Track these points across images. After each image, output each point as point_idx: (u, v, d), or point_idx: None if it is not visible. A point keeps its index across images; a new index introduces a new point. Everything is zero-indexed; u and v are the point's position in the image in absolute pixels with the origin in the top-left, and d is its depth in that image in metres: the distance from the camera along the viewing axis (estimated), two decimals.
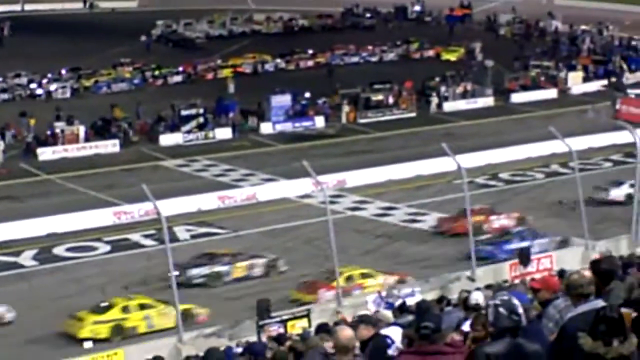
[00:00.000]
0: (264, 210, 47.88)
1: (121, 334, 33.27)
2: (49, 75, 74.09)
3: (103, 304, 34.14)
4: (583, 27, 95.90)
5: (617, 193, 45.47)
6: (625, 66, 79.68)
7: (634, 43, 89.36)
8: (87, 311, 33.75)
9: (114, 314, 33.74)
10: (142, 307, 34.24)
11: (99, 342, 32.31)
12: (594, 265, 8.46)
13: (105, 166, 55.82)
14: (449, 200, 44.85)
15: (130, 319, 33.82)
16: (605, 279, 8.03)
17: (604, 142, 55.24)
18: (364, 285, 35.56)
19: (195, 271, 37.63)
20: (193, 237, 44.12)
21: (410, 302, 21.12)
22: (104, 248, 42.84)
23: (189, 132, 61.54)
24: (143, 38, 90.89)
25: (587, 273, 8.64)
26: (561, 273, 19.43)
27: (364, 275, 36.62)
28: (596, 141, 55.29)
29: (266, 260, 39.07)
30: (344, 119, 66.07)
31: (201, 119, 62.52)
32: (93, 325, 33.09)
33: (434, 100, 69.26)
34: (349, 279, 35.53)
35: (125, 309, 34.01)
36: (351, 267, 36.69)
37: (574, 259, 32.40)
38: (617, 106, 38.33)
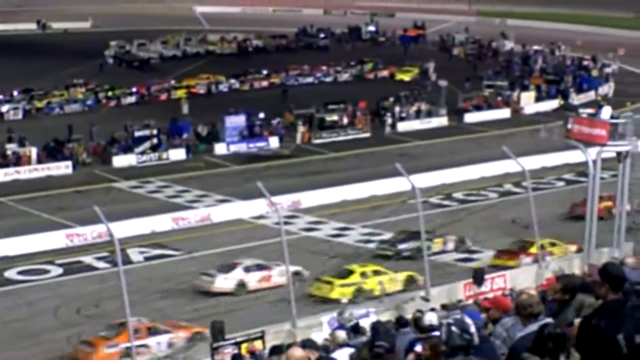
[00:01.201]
0: (218, 231, 47.61)
1: (361, 296, 36.41)
2: (1, 97, 73.44)
3: (346, 268, 39.01)
4: (535, 47, 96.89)
5: None
6: (571, 88, 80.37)
7: (585, 63, 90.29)
8: (333, 275, 38.38)
9: (355, 278, 37.88)
10: (376, 273, 38.42)
11: None
12: (604, 271, 8.40)
13: (57, 188, 55.30)
14: (403, 220, 44.90)
15: (368, 283, 37.58)
16: (617, 284, 7.97)
17: (556, 162, 55.62)
18: None
19: (403, 245, 41.99)
20: (147, 259, 43.74)
21: (365, 323, 21.05)
22: (57, 271, 42.31)
23: (142, 153, 61.18)
24: (110, 61, 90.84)
25: (535, 292, 8.65)
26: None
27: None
28: (549, 160, 55.67)
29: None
30: (298, 140, 66.05)
31: (155, 140, 62.17)
32: (340, 288, 37.45)
33: (388, 120, 69.43)
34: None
35: (363, 275, 38.03)
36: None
37: (527, 279, 32.53)
38: (569, 126, 38.44)
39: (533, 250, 38.08)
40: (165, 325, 33.29)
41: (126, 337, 30.40)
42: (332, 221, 48.92)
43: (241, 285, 38.80)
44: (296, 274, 37.07)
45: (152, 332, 32.70)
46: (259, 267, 39.58)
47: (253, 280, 39.06)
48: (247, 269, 39.38)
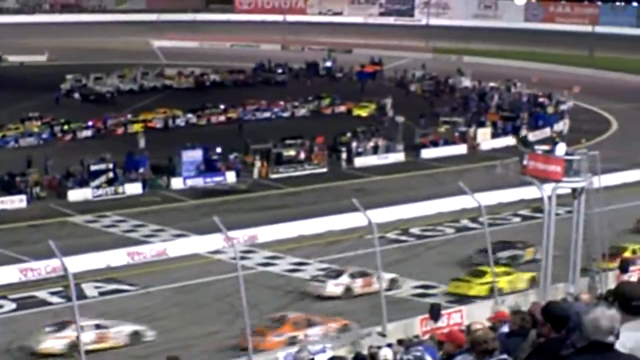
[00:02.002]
0: (174, 266, 47.36)
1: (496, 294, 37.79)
2: None
3: (478, 270, 42.55)
4: (492, 84, 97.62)
5: None
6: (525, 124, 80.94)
7: (541, 100, 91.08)
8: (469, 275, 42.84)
9: (489, 277, 40.19)
10: (507, 273, 42.62)
11: None
12: (545, 310, 8.39)
13: (11, 222, 54.74)
14: (360, 256, 44.87)
15: (499, 282, 40.11)
16: (558, 323, 7.96)
17: (512, 197, 55.94)
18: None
19: (500, 254, 44.73)
20: (101, 294, 43.39)
21: (321, 358, 20.94)
22: (10, 306, 41.84)
23: (98, 187, 60.77)
24: (76, 95, 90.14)
25: (488, 328, 8.62)
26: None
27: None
28: (505, 196, 55.98)
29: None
30: (255, 174, 65.95)
31: (111, 174, 61.80)
32: (478, 286, 41.49)
33: (343, 155, 69.48)
34: None
35: (495, 274, 39.20)
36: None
37: (484, 314, 32.52)
38: (525, 162, 38.72)
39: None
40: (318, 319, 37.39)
41: (290, 328, 36.10)
42: (288, 256, 48.84)
43: (348, 289, 42.60)
44: (393, 280, 42.35)
45: (310, 324, 36.71)
46: (362, 274, 42.63)
47: (358, 285, 42.58)
48: (353, 275, 43.05)
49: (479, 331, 9.30)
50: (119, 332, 37.14)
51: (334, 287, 42.76)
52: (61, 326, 36.39)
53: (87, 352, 32.14)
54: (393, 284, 42.48)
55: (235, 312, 36.30)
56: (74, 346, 33.71)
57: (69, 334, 35.04)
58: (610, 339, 6.48)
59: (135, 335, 37.19)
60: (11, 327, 38.83)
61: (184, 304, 41.14)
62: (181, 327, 38.76)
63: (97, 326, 36.85)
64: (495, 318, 20.98)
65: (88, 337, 34.77)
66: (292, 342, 34.49)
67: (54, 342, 36.09)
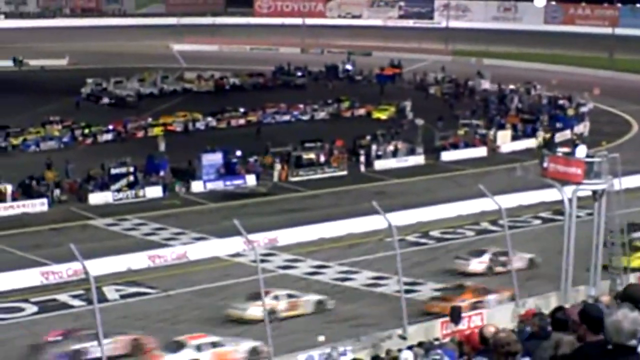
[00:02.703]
0: (195, 269, 47.46)
1: None
2: None
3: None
4: (511, 86, 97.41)
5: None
6: (542, 127, 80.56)
7: (561, 102, 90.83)
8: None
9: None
10: None
11: None
12: (582, 312, 8.33)
13: (33, 225, 54.99)
14: (380, 258, 44.90)
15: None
16: (596, 326, 7.90)
17: (533, 200, 55.82)
18: None
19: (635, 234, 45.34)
20: (122, 297, 43.51)
21: None
22: (31, 309, 42.02)
23: (118, 190, 60.97)
24: (106, 100, 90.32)
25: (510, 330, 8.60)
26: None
27: None
28: (525, 199, 55.87)
29: None
30: (275, 177, 66.01)
31: (131, 178, 61.97)
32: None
33: (362, 158, 69.42)
34: None
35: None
36: None
37: (505, 316, 32.54)
38: (545, 164, 38.67)
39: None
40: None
41: (470, 295, 39.52)
42: (309, 259, 48.86)
43: (489, 268, 45.07)
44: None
45: (487, 291, 40.14)
46: (503, 254, 43.03)
47: (499, 265, 44.37)
48: (495, 255, 45.20)
49: (501, 333, 9.30)
50: (307, 300, 40.91)
51: (477, 265, 45.63)
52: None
53: (282, 318, 38.51)
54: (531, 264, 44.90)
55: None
56: (273, 312, 37.49)
57: (268, 302, 37.14)
58: (633, 342, 6.42)
59: (320, 304, 40.89)
60: (33, 330, 38.96)
61: (204, 307, 41.19)
62: (202, 330, 38.76)
63: (289, 295, 40.80)
64: (524, 315, 20.95)
65: (282, 305, 39.71)
66: (474, 307, 37.98)
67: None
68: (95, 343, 33.13)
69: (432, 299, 40.31)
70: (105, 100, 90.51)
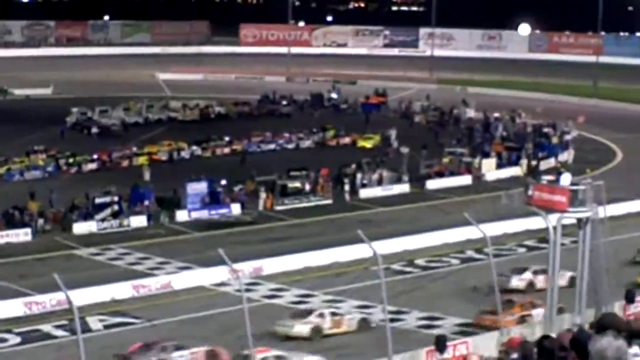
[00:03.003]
0: (179, 298, 47.27)
1: None
2: None
3: None
4: (496, 114, 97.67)
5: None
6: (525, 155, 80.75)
7: (545, 130, 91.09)
8: None
9: None
10: None
11: None
12: (573, 339, 8.27)
13: (16, 255, 54.70)
14: (365, 287, 44.79)
15: None
16: (583, 353, 7.84)
17: (517, 228, 55.87)
18: None
19: None
20: (106, 327, 43.25)
21: None
22: (14, 340, 41.72)
23: (103, 220, 60.76)
24: (95, 130, 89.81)
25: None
26: None
27: None
28: (510, 227, 55.91)
29: None
30: (260, 206, 65.91)
31: (116, 207, 61.79)
32: None
33: (346, 187, 69.37)
34: None
35: None
36: None
37: (490, 345, 32.44)
38: (530, 192, 38.71)
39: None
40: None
41: (519, 309, 41.59)
42: (294, 288, 48.70)
43: (530, 284, 46.77)
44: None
45: (534, 305, 41.74)
46: (544, 271, 43.71)
47: (541, 281, 45.10)
48: (536, 272, 46.73)
49: None
50: (351, 318, 42.24)
51: (517, 282, 46.91)
52: (303, 313, 42.76)
53: (326, 335, 40.78)
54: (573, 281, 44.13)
55: (241, 344, 36.12)
56: (318, 330, 40.90)
57: (313, 319, 41.31)
58: None
59: (364, 321, 41.99)
60: None
61: (189, 337, 40.96)
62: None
63: (334, 314, 42.29)
64: (509, 344, 20.97)
65: (327, 324, 41.33)
66: (522, 320, 40.14)
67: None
68: (178, 353, 37.21)
69: (482, 313, 41.32)
70: (95, 129, 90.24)
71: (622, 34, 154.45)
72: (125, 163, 78.12)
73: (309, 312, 42.45)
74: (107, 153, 78.46)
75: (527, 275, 47.25)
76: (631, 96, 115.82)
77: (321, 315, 41.83)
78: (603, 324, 7.70)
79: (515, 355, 13.51)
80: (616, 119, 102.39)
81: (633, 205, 60.83)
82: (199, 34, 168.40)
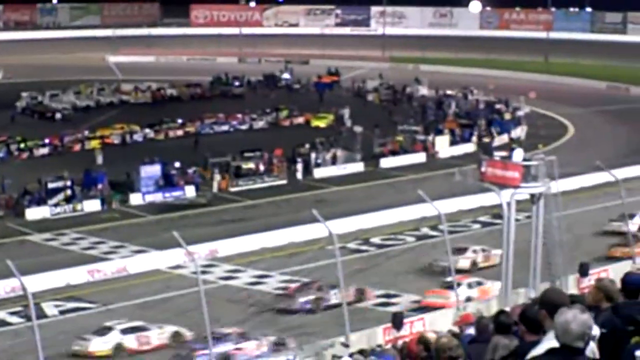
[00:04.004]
0: (135, 282, 47.03)
1: None
2: None
3: None
4: (448, 91, 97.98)
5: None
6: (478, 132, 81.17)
7: (497, 106, 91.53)
8: None
9: None
10: None
11: None
12: (522, 314, 8.28)
13: None
14: (321, 267, 44.82)
15: None
16: (535, 326, 7.84)
17: (472, 205, 56.10)
18: None
19: None
20: (62, 312, 42.97)
21: None
22: None
23: (56, 205, 60.27)
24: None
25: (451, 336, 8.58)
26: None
27: None
28: (464, 203, 56.13)
29: None
30: (215, 188, 65.70)
31: (69, 192, 61.31)
32: None
33: (299, 166, 69.29)
34: None
35: None
36: None
37: (446, 322, 32.61)
38: (483, 169, 38.87)
39: None
40: None
41: None
42: (250, 269, 48.65)
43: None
44: None
45: None
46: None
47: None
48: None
49: (443, 338, 9.25)
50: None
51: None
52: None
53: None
54: None
55: (198, 326, 36.03)
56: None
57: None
58: (580, 344, 6.39)
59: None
60: None
61: (145, 320, 40.77)
62: None
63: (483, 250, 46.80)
64: (461, 321, 21.09)
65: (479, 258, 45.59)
66: None
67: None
68: (333, 291, 39.45)
69: (615, 245, 44.78)
70: (59, 115, 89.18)
71: (571, 9, 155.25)
72: (77, 147, 77.51)
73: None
74: (58, 137, 77.77)
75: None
76: (582, 71, 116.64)
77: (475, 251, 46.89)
78: (546, 300, 7.73)
79: (470, 331, 13.56)
80: (567, 94, 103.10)
81: (585, 179, 61.31)
82: (149, 15, 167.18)
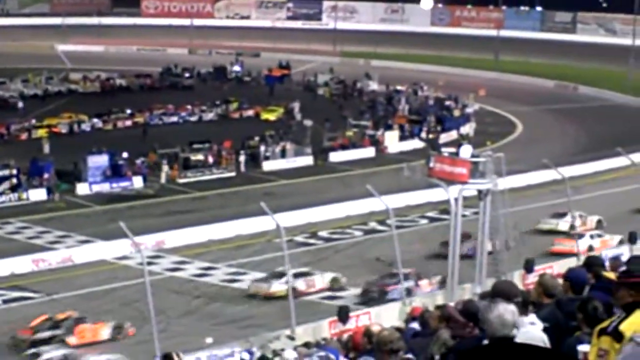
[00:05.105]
0: (80, 272, 46.66)
1: None
2: None
3: None
4: (399, 87, 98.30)
5: None
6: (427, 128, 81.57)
7: (447, 103, 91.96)
8: None
9: None
10: None
11: None
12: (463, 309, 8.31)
13: None
14: (268, 259, 44.79)
15: None
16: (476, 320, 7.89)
17: (420, 200, 56.31)
18: None
19: None
20: (5, 301, 42.53)
21: None
22: None
23: (1, 193, 59.60)
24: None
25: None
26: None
27: None
28: (412, 199, 56.32)
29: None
30: (162, 179, 65.36)
31: (14, 180, 60.67)
32: None
33: (241, 158, 69.03)
34: None
35: None
36: None
37: (392, 315, 32.71)
38: (431, 164, 39.04)
39: None
40: None
41: None
42: (196, 261, 48.47)
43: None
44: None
45: None
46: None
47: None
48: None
49: (385, 332, 9.25)
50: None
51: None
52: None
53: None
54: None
55: (143, 317, 35.87)
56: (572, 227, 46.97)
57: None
58: (515, 332, 6.55)
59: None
60: None
61: (90, 311, 40.50)
62: None
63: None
64: (412, 313, 21.13)
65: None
66: None
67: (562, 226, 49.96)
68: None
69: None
70: (21, 104, 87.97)
71: (522, 8, 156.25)
72: (24, 136, 76.77)
73: None
74: (5, 126, 76.94)
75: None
76: (531, 69, 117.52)
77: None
78: (498, 291, 7.79)
79: (415, 324, 13.63)
80: (516, 92, 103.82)
81: (532, 177, 61.78)
82: (99, 4, 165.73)
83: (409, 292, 38.39)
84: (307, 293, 42.36)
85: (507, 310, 6.55)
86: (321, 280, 43.54)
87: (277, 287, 41.68)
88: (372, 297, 40.65)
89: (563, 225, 50.26)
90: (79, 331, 38.19)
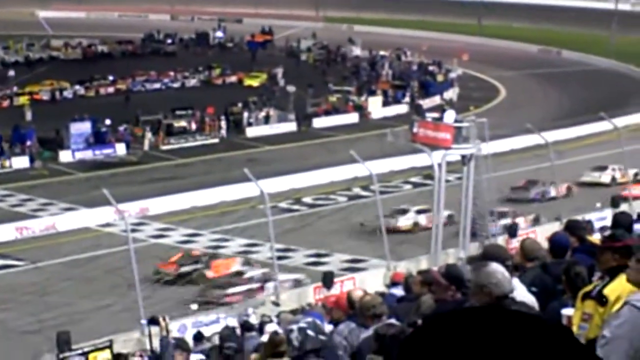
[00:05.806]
0: (64, 240, 46.57)
1: None
2: None
3: None
4: (382, 52, 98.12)
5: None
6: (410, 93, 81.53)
7: (430, 68, 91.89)
8: None
9: None
10: None
11: None
12: (446, 272, 8.32)
13: None
14: (252, 226, 44.76)
15: None
16: (458, 284, 7.89)
17: (403, 165, 56.31)
18: None
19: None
20: None
21: (216, 328, 20.89)
22: None
23: None
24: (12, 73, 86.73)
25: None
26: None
27: None
28: (396, 164, 56.31)
29: None
30: (146, 146, 65.19)
31: None
32: None
33: (222, 124, 68.90)
34: None
35: None
36: None
37: (376, 281, 32.75)
38: (415, 129, 39.01)
39: None
40: None
41: None
42: (181, 227, 48.44)
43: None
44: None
45: None
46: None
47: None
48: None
49: (367, 296, 9.27)
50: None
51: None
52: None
53: None
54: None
55: (128, 284, 35.84)
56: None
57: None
58: (511, 288, 6.55)
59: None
60: None
61: (74, 278, 40.47)
62: (72, 301, 38.10)
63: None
64: (394, 278, 21.19)
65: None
66: None
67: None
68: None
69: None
70: (12, 72, 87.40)
71: None
72: (5, 103, 76.41)
73: None
74: None
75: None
76: (514, 34, 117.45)
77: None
78: (488, 254, 7.79)
79: (396, 289, 13.65)
80: (500, 57, 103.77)
81: (516, 141, 61.84)
82: None
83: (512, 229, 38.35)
84: (428, 228, 42.53)
85: (497, 269, 6.56)
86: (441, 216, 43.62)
87: (403, 222, 46.60)
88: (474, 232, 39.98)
89: (605, 177, 53.12)
90: (215, 265, 40.94)
